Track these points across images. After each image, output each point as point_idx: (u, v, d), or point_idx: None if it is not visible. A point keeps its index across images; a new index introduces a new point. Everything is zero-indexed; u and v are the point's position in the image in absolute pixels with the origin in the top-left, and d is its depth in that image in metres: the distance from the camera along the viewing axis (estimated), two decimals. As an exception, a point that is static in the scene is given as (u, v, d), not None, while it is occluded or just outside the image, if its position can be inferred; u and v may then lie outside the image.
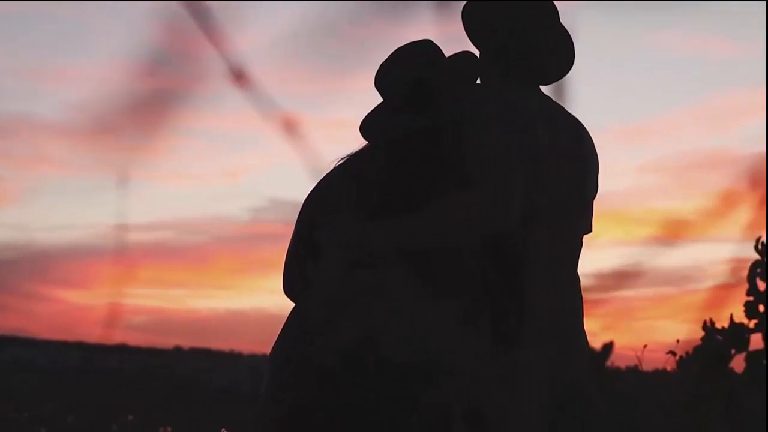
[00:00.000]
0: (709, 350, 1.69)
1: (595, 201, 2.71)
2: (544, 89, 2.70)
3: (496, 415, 2.19)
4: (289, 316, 2.64)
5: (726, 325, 1.72)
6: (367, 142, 2.60)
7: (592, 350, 2.53)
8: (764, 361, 1.70)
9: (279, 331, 2.65)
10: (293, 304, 2.64)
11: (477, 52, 2.68)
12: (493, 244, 2.40)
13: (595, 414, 2.42)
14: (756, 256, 1.75)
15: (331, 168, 2.64)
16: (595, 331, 2.56)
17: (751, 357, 1.72)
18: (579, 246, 2.63)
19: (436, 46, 2.56)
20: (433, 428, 2.34)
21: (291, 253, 2.64)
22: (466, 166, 2.43)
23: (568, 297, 2.58)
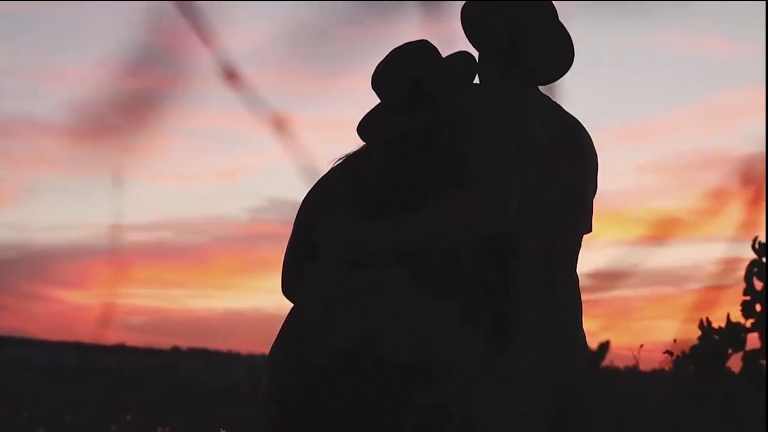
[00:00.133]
0: (705, 350, 1.70)
1: (594, 201, 2.71)
2: (543, 89, 2.71)
3: (492, 415, 2.19)
4: (287, 316, 2.64)
5: (723, 324, 1.72)
6: (364, 143, 2.61)
7: (590, 350, 2.54)
8: (761, 361, 1.71)
9: (278, 332, 2.65)
10: (292, 305, 2.64)
11: (475, 53, 2.68)
12: (491, 244, 2.40)
13: (595, 414, 2.42)
14: (753, 256, 1.75)
15: (329, 168, 2.64)
16: (594, 330, 2.57)
17: (748, 356, 1.73)
18: (579, 246, 2.63)
19: (433, 46, 2.56)
20: (431, 428, 2.34)
21: (289, 254, 2.64)
22: (465, 166, 2.43)
23: (568, 297, 2.58)
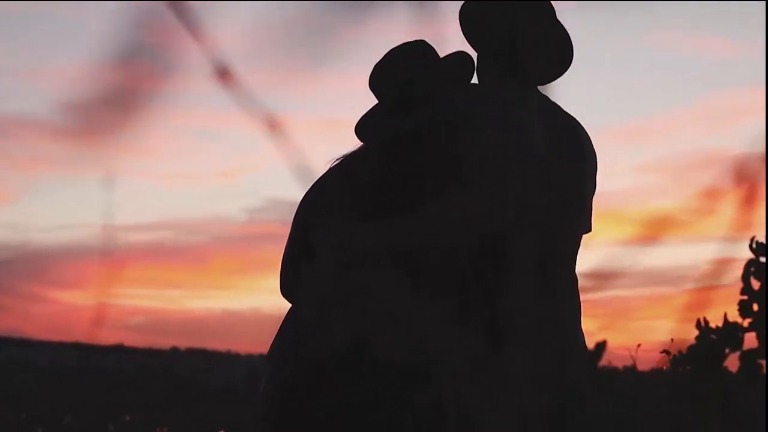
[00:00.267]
0: (703, 349, 1.70)
1: (594, 201, 2.71)
2: (541, 89, 2.71)
3: (490, 415, 2.19)
4: (286, 316, 2.64)
5: (720, 324, 1.72)
6: (361, 143, 2.61)
7: (588, 350, 2.54)
8: (758, 360, 1.71)
9: (276, 332, 2.65)
10: (290, 305, 2.64)
11: (473, 53, 2.68)
12: (489, 243, 2.40)
13: (594, 414, 2.43)
14: (750, 255, 1.76)
15: (326, 169, 2.65)
16: (592, 330, 2.57)
17: (746, 356, 1.73)
18: (578, 246, 2.64)
19: (430, 46, 2.56)
20: (428, 428, 2.34)
21: (287, 254, 2.64)
22: (463, 166, 2.43)
23: (567, 297, 2.58)
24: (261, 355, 2.69)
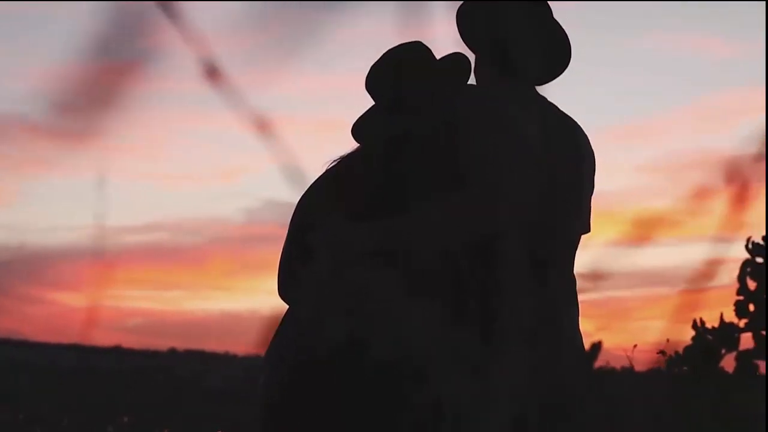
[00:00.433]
0: (699, 350, 1.70)
1: (592, 201, 2.71)
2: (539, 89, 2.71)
3: (485, 415, 2.19)
4: (283, 316, 2.64)
5: (716, 324, 1.73)
6: (359, 144, 2.61)
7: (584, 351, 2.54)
8: (754, 361, 1.71)
9: (274, 332, 2.65)
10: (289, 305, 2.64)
11: (470, 53, 2.68)
12: (485, 244, 2.40)
13: (589, 414, 2.43)
14: (746, 256, 1.76)
15: (324, 170, 2.65)
16: (590, 331, 2.57)
17: (742, 356, 1.73)
18: (576, 246, 2.63)
19: (427, 47, 2.56)
20: (425, 428, 2.34)
21: (285, 256, 2.64)
22: (460, 167, 2.43)
23: (565, 297, 2.58)
24: (259, 356, 2.69)
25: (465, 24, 2.70)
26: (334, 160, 2.64)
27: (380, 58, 2.57)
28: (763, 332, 1.71)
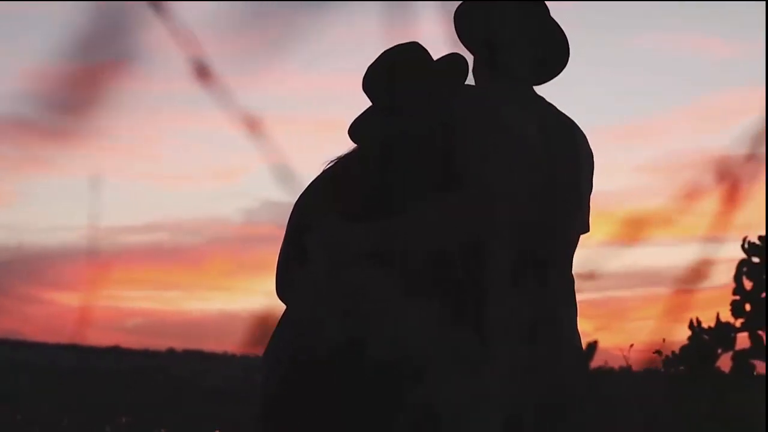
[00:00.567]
0: (695, 350, 1.70)
1: (591, 200, 2.71)
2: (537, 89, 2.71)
3: (482, 416, 2.19)
4: (281, 317, 2.64)
5: (712, 324, 1.73)
6: (355, 145, 2.61)
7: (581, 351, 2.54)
8: (750, 361, 1.71)
9: (272, 333, 2.65)
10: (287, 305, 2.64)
11: (468, 54, 2.69)
12: (482, 244, 2.40)
13: (589, 414, 2.43)
14: (742, 255, 1.76)
15: (321, 171, 2.65)
16: (588, 331, 2.57)
17: (738, 356, 1.73)
18: (575, 246, 2.64)
19: (423, 48, 2.57)
20: (420, 428, 2.34)
21: (282, 257, 2.64)
22: (457, 167, 2.43)
23: (563, 297, 2.58)
24: (257, 357, 2.69)
25: (463, 24, 2.70)
26: (331, 161, 2.65)
27: (377, 58, 2.58)
28: (759, 332, 1.70)
